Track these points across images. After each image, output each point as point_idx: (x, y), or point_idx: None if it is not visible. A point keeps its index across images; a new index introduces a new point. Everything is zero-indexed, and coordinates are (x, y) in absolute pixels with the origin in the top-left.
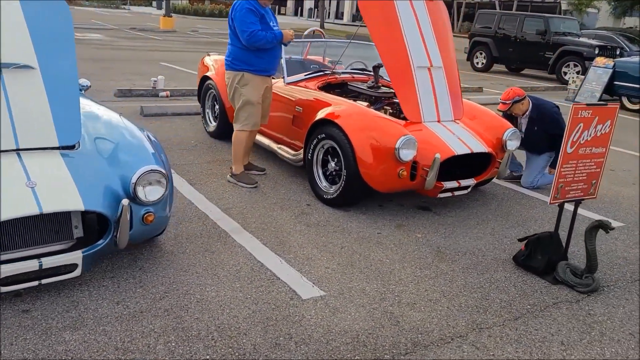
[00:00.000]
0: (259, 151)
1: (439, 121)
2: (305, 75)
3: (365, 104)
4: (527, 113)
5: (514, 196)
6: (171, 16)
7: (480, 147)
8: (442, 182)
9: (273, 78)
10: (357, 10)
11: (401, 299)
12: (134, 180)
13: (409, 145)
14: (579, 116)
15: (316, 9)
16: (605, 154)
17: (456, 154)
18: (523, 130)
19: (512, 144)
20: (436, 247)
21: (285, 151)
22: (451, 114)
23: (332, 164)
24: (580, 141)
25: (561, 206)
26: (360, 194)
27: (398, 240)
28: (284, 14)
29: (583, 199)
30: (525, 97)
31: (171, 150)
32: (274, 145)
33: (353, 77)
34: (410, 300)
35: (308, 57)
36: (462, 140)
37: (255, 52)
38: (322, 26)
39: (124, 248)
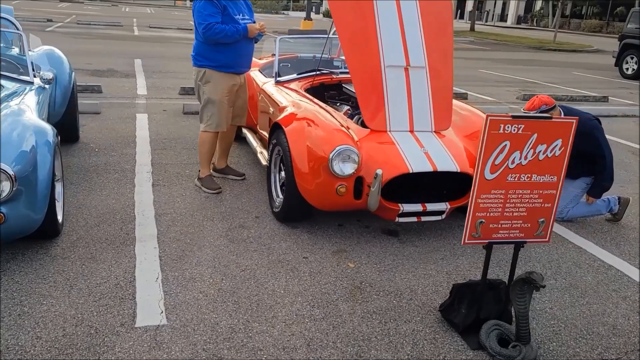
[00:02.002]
0: (250, 154)
1: (411, 131)
2: (298, 75)
3: (346, 108)
4: None
5: None
6: (311, 20)
7: (450, 165)
8: (398, 204)
9: (271, 77)
10: (524, 11)
11: (250, 342)
12: None
13: (344, 157)
14: (500, 131)
15: (477, 11)
16: (559, 184)
17: (410, 172)
18: None
19: None
20: (360, 282)
21: (263, 156)
22: (430, 123)
23: (283, 173)
24: (508, 165)
25: (488, 248)
26: (299, 211)
27: (320, 269)
28: None
29: (525, 242)
30: (554, 106)
31: (173, 149)
32: (258, 149)
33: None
34: (260, 345)
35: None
36: (429, 156)
37: (217, 47)
38: (472, 28)
39: None
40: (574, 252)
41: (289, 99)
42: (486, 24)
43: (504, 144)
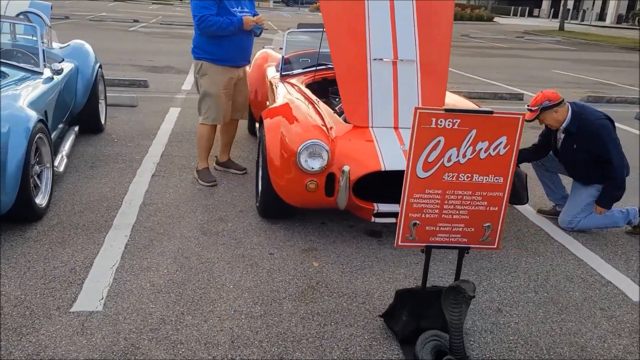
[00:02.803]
0: None
1: (395, 128)
2: (303, 69)
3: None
4: (564, 125)
5: (526, 236)
6: None
7: None
8: (373, 204)
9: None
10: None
11: (174, 335)
12: None
13: (312, 152)
14: (432, 126)
15: (574, 10)
16: (506, 186)
17: (383, 170)
18: (559, 148)
19: None
20: (317, 282)
21: None
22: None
23: None
24: (444, 163)
25: (427, 252)
26: (275, 206)
27: (280, 266)
28: (537, 16)
29: (469, 247)
30: (560, 103)
31: (189, 142)
32: None
33: None
34: (183, 339)
35: None
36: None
37: (214, 40)
38: (561, 28)
39: None
40: (571, 265)
41: (285, 93)
42: (582, 23)
43: (437, 139)
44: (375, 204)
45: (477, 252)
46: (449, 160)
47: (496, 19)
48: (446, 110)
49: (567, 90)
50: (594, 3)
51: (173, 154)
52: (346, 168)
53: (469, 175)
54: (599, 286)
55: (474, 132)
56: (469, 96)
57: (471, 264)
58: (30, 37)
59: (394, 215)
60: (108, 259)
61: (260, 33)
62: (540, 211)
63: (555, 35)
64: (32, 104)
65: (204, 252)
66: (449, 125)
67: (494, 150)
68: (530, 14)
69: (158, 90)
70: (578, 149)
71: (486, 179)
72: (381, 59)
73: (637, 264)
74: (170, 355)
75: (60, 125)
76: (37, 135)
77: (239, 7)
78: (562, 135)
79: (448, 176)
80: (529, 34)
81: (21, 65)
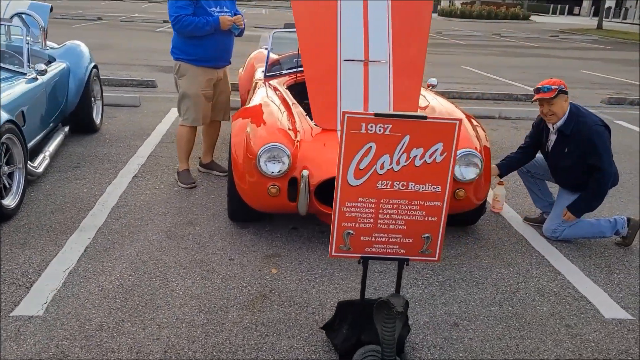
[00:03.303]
0: None
1: None
2: (287, 70)
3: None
4: (558, 124)
5: (506, 245)
6: None
7: None
8: None
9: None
10: None
11: (108, 342)
12: None
13: (272, 156)
14: (362, 131)
15: (617, 8)
16: (445, 196)
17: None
18: (549, 150)
19: (462, 171)
20: (271, 290)
21: None
22: None
23: None
24: (377, 170)
25: (364, 264)
26: (241, 210)
27: (237, 273)
28: (577, 14)
29: (408, 259)
30: (564, 92)
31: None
32: None
33: None
34: (116, 347)
35: None
36: None
37: (191, 40)
38: (599, 26)
39: None
40: (546, 277)
41: (263, 95)
42: (624, 21)
43: (368, 145)
44: None
45: (447, 262)
46: (382, 167)
47: (533, 17)
48: (376, 114)
49: (591, 90)
50: (637, 1)
51: (161, 154)
52: (305, 173)
53: (404, 183)
54: (571, 301)
55: (407, 138)
56: (482, 97)
57: (438, 274)
58: (27, 38)
59: None
60: (64, 262)
61: (241, 34)
62: (526, 219)
63: (592, 34)
64: (6, 105)
65: (163, 257)
66: (380, 130)
67: (430, 157)
68: (570, 12)
69: (164, 91)
70: (569, 153)
71: (423, 187)
72: (352, 60)
73: (619, 277)
74: None
75: (49, 125)
76: (5, 136)
77: (218, 7)
78: (554, 137)
79: (382, 184)
80: (564, 32)
81: (4, 66)
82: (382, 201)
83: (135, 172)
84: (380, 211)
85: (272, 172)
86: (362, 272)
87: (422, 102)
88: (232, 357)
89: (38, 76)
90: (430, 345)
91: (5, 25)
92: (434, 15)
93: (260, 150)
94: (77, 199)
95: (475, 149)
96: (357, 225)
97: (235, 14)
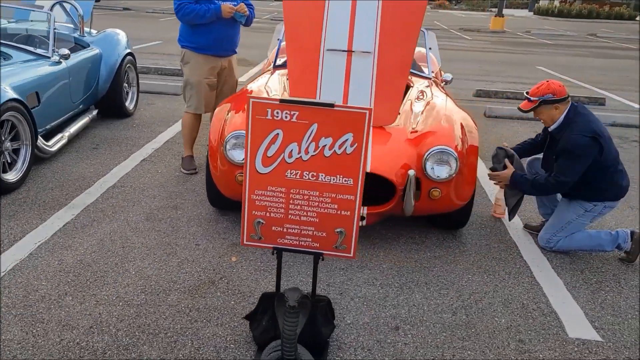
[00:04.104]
0: None
1: None
2: None
3: None
4: (552, 127)
5: (492, 252)
6: (503, 16)
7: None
8: None
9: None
10: None
11: (41, 314)
12: None
13: (239, 143)
14: (268, 117)
15: None
16: (357, 189)
17: None
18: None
19: (435, 170)
20: (221, 277)
21: None
22: None
23: None
24: (285, 158)
25: (278, 254)
26: (217, 197)
27: (196, 257)
28: None
29: (322, 254)
30: (564, 99)
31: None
32: None
33: None
34: (48, 318)
35: None
36: None
37: (195, 28)
38: None
39: None
40: (521, 288)
41: (260, 83)
42: None
43: (275, 132)
44: None
45: (418, 264)
46: (290, 156)
47: None
48: (281, 100)
49: None
50: None
51: (177, 141)
52: None
53: (314, 174)
54: (537, 315)
55: (315, 126)
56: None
57: (402, 276)
58: (67, 25)
59: None
60: (38, 236)
61: (248, 22)
62: (526, 226)
63: None
64: (18, 85)
65: (133, 237)
66: (286, 117)
67: (340, 148)
68: None
69: None
70: (555, 159)
71: (334, 179)
72: (335, 50)
73: (607, 295)
74: (22, 332)
75: (78, 107)
76: (8, 114)
77: None
78: (548, 140)
79: (291, 173)
80: None
81: (30, 49)
82: (292, 191)
83: (146, 156)
84: (291, 201)
85: (237, 160)
86: (277, 263)
87: (426, 98)
88: (151, 339)
89: (62, 60)
90: (359, 347)
91: (31, 10)
92: (529, 14)
93: (227, 137)
94: (80, 177)
95: (454, 147)
96: (267, 214)
97: (238, 3)
